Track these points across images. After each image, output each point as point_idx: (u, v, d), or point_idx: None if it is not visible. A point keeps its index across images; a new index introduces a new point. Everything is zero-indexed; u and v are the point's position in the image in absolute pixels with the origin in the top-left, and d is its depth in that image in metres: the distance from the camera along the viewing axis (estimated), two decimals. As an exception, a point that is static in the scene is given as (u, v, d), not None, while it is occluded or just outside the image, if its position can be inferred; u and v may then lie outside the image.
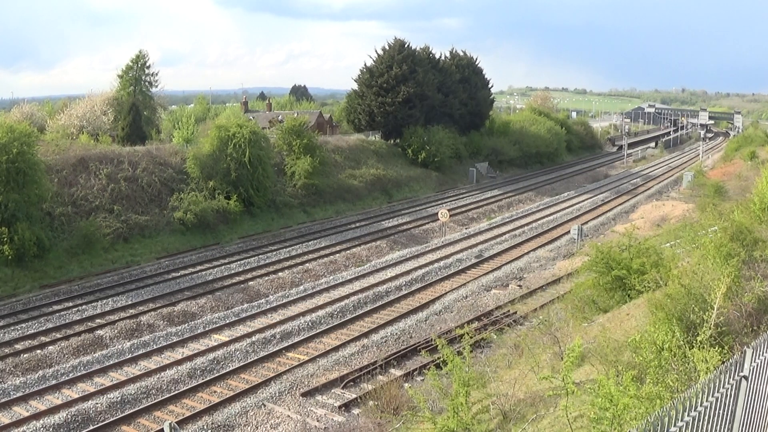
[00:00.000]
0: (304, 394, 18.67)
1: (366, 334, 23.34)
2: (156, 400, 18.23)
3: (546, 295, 27.09)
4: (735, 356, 6.36)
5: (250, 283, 30.11)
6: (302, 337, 23.17)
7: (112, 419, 17.16)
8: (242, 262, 33.39)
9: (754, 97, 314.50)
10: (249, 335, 23.27)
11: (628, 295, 16.81)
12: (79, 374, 19.85)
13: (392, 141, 63.31)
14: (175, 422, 13.41)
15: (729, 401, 6.06)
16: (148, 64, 65.75)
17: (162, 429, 12.45)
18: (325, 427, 16.86)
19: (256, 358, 21.35)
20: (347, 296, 27.80)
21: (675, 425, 5.12)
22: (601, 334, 10.86)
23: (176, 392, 18.79)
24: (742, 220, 13.18)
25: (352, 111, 64.54)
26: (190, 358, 21.26)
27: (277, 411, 17.83)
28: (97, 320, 24.70)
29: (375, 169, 54.57)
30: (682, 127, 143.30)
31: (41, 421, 16.87)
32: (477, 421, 10.16)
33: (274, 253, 35.46)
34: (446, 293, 28.14)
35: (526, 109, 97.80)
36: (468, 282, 29.82)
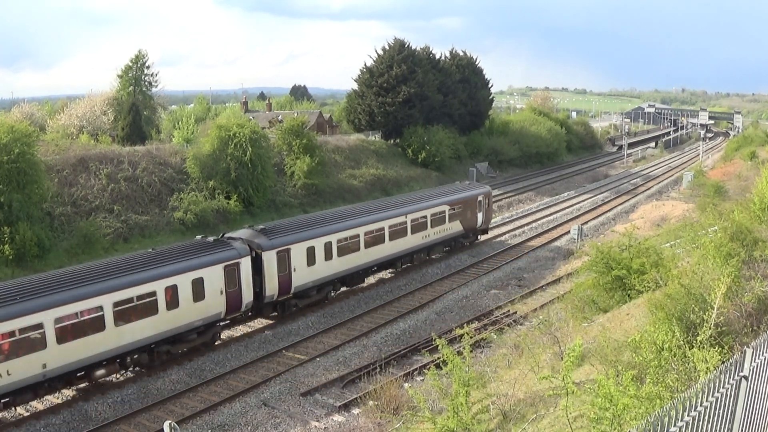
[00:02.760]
0: (303, 394, 18.75)
1: (366, 334, 23.39)
2: (156, 400, 18.38)
3: (546, 295, 27.12)
4: (735, 356, 6.36)
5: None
6: (302, 337, 23.28)
7: (112, 420, 17.25)
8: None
9: (754, 97, 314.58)
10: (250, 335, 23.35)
11: (628, 295, 16.82)
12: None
13: (392, 141, 63.30)
14: (176, 422, 13.40)
15: (729, 401, 6.05)
16: (147, 64, 65.87)
17: (162, 429, 12.45)
18: (324, 427, 16.87)
19: (256, 357, 21.54)
20: (347, 296, 27.83)
21: (675, 425, 5.12)
22: (601, 334, 10.87)
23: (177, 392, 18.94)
24: (742, 220, 13.17)
25: (352, 111, 64.50)
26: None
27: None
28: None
29: (375, 169, 54.55)
30: (682, 127, 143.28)
31: None
32: (477, 421, 10.17)
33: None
34: (446, 293, 28.15)
35: (526, 109, 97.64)
36: (468, 282, 29.83)
